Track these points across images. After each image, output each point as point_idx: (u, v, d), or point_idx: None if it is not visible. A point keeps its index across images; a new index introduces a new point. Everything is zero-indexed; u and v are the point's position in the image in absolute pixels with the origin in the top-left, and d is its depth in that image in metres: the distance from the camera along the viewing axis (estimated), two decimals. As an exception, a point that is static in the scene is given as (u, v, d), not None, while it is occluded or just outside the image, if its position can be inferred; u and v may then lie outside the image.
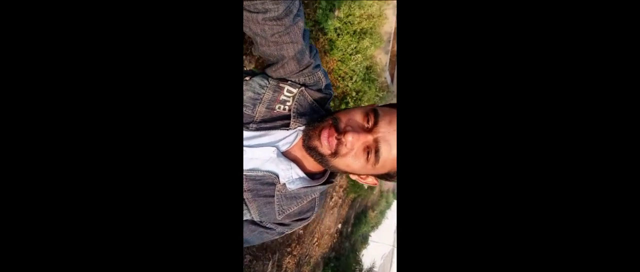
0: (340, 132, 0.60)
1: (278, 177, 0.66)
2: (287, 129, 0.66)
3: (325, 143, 0.60)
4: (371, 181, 0.68)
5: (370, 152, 0.60)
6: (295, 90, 0.67)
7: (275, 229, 0.69)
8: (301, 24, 0.62)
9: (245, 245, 0.69)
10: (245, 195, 0.65)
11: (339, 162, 0.62)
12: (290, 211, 0.68)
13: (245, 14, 0.58)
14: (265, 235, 0.70)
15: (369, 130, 0.60)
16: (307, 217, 0.72)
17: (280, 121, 0.67)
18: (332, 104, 0.77)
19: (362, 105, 0.80)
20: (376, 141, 0.59)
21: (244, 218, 0.66)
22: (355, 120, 0.62)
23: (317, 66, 0.69)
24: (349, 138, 0.59)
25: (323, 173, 0.72)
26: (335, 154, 0.61)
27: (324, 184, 0.70)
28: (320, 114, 0.69)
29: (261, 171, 0.65)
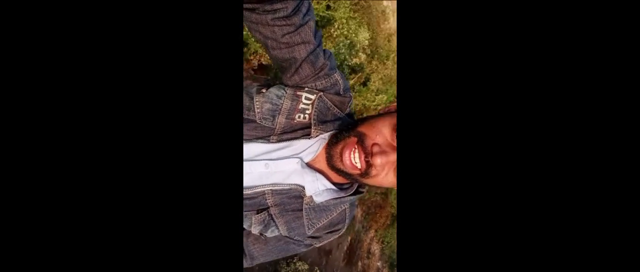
0: (368, 153, 0.56)
1: (304, 190, 0.63)
2: (309, 138, 0.63)
3: (348, 163, 0.57)
4: None
5: None
6: (313, 97, 0.64)
7: (303, 241, 0.67)
8: (312, 23, 0.59)
9: (269, 258, 0.67)
10: (273, 210, 0.63)
11: (370, 181, 0.59)
12: (320, 224, 0.66)
13: (254, 16, 0.56)
14: (292, 247, 0.67)
15: None
16: (339, 230, 0.69)
17: (301, 131, 0.64)
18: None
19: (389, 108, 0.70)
20: None
21: (272, 235, 0.65)
22: (383, 136, 0.58)
23: (333, 68, 0.65)
24: (378, 161, 0.55)
25: (351, 183, 0.68)
26: (364, 175, 0.58)
27: (353, 194, 0.66)
28: (342, 119, 0.66)
29: (287, 184, 0.62)
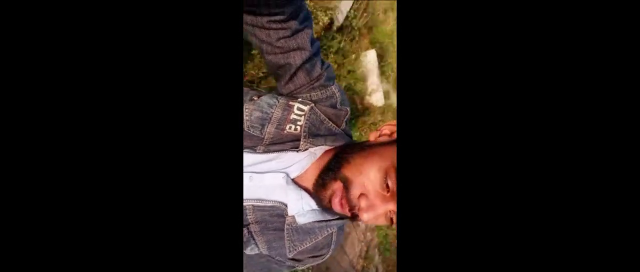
0: (354, 206, 0.52)
1: (287, 208, 0.58)
2: (297, 151, 0.59)
3: (338, 209, 0.54)
4: None
5: (394, 221, 0.52)
6: (306, 108, 0.61)
7: (285, 263, 0.62)
8: (308, 30, 0.58)
9: None
10: (253, 227, 0.58)
11: (362, 222, 0.58)
12: (303, 247, 0.60)
13: (250, 18, 0.55)
14: (274, 267, 0.62)
15: (391, 197, 0.51)
16: (323, 255, 0.63)
17: (290, 143, 0.60)
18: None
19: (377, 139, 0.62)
20: None
21: (252, 253, 0.59)
22: (372, 184, 0.52)
23: (330, 80, 0.63)
24: (365, 217, 0.51)
25: None
26: (355, 218, 0.54)
27: (340, 218, 0.60)
28: (336, 134, 0.62)
29: (270, 201, 0.57)
